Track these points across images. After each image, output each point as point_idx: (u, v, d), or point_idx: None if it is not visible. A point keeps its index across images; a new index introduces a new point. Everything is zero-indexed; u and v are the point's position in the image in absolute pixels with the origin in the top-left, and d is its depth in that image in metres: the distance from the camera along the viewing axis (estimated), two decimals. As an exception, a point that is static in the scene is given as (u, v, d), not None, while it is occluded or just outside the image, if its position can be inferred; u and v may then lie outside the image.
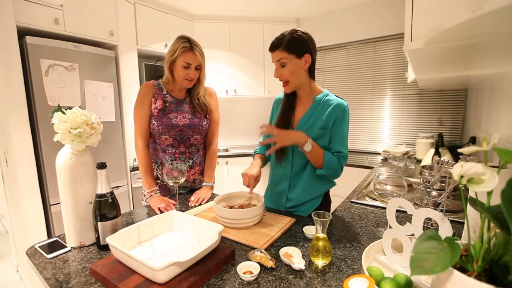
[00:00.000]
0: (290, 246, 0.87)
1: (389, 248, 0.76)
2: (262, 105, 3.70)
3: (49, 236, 1.99)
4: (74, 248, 0.91)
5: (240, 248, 0.89)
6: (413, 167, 2.25)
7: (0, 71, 1.71)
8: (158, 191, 1.32)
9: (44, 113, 1.92)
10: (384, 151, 2.74)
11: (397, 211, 0.80)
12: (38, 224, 1.92)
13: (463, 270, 0.44)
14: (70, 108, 0.92)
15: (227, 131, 3.71)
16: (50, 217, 1.99)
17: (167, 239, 0.91)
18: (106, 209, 0.88)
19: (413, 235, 0.71)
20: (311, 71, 1.14)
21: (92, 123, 0.93)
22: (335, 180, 1.26)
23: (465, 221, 0.50)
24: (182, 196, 1.44)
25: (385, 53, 2.91)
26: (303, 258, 0.80)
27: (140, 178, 1.89)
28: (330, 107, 1.11)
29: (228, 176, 3.15)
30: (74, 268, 0.80)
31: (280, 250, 0.83)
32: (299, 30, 1.08)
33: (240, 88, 3.38)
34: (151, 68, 2.75)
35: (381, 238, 0.79)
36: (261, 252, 0.81)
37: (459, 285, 0.42)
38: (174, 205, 1.24)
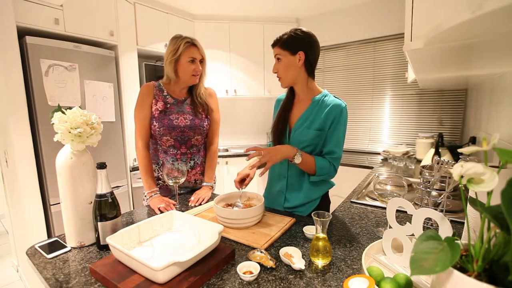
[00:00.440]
0: (290, 246, 0.87)
1: (389, 248, 0.76)
2: (262, 105, 3.68)
3: (49, 236, 1.99)
4: (74, 248, 0.91)
5: (240, 248, 0.89)
6: (413, 167, 2.24)
7: (0, 71, 1.71)
8: (158, 192, 1.32)
9: (44, 113, 1.92)
10: (384, 151, 2.74)
11: (397, 211, 0.80)
12: (38, 224, 1.92)
13: (463, 270, 0.44)
14: (70, 108, 0.92)
15: (227, 131, 3.70)
16: (50, 217, 1.99)
17: (167, 239, 0.91)
18: (106, 209, 0.88)
19: (413, 235, 0.71)
20: (308, 69, 1.14)
21: (92, 123, 0.93)
22: (334, 181, 1.27)
23: (465, 221, 0.50)
24: (182, 196, 1.44)
25: (385, 53, 2.91)
26: (303, 258, 0.80)
27: (140, 178, 1.89)
28: (328, 108, 1.12)
29: (228, 176, 3.15)
30: (74, 268, 0.80)
31: (280, 250, 0.83)
32: (300, 29, 1.10)
33: (240, 88, 3.38)
34: (151, 68, 2.75)
35: (381, 238, 0.79)
36: (261, 252, 0.81)
37: (459, 285, 0.42)
38: (174, 205, 1.24)
